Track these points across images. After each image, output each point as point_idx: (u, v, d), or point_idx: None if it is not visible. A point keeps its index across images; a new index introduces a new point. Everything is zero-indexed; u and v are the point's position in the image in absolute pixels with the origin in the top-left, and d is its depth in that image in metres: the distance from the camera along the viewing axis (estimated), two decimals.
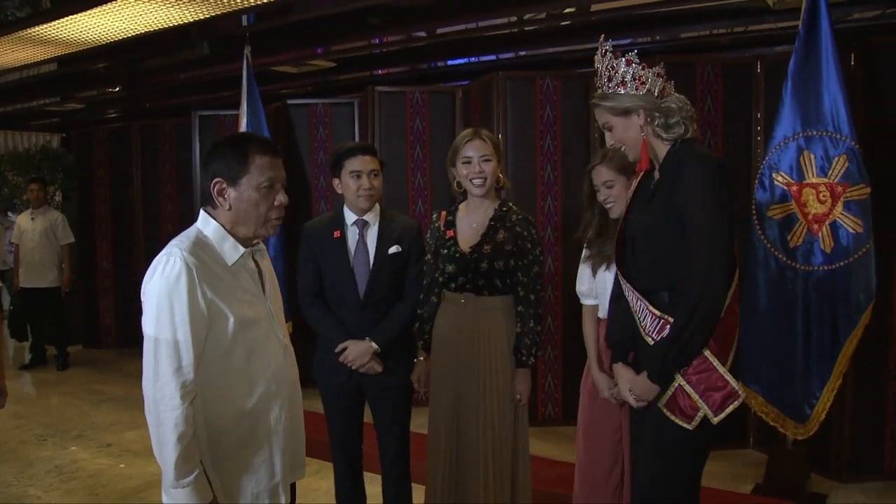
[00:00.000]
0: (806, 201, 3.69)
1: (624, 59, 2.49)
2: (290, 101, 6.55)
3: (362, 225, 3.29)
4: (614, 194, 3.01)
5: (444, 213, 3.35)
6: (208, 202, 2.20)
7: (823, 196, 3.64)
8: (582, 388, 3.28)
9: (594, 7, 4.98)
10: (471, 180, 3.17)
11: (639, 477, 2.60)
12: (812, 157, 3.67)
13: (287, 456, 2.27)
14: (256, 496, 2.20)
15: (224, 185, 2.15)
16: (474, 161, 3.15)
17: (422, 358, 3.33)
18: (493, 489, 3.14)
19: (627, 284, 2.54)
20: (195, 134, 6.93)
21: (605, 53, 2.52)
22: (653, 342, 2.44)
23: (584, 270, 3.22)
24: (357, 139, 6.21)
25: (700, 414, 2.38)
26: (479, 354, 3.16)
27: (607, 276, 3.04)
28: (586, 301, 3.23)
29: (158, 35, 5.03)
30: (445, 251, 3.24)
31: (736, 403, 2.38)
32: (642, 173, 2.62)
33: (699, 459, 2.51)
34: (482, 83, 5.62)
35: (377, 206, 3.33)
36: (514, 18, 5.40)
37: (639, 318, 2.51)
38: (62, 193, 9.14)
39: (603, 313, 3.10)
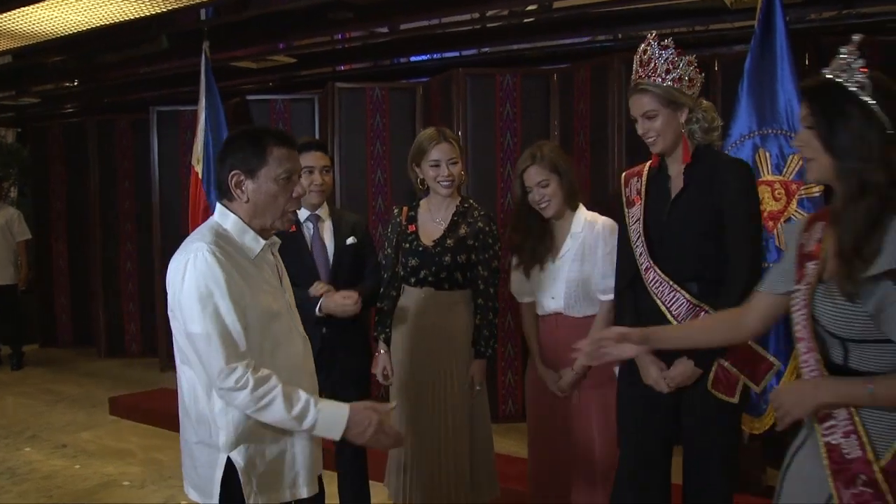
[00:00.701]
0: (762, 199, 3.72)
1: (686, 59, 2.60)
2: (249, 97, 6.50)
3: (316, 220, 3.31)
4: (549, 193, 3.05)
5: (405, 208, 3.39)
6: (224, 195, 2.18)
7: (779, 194, 3.68)
8: (527, 383, 3.33)
9: (556, 4, 5.01)
10: (439, 182, 3.23)
11: (705, 460, 2.69)
12: (767, 155, 3.71)
13: (307, 448, 2.21)
14: (279, 488, 2.16)
15: (242, 178, 2.13)
16: (442, 164, 3.21)
17: (382, 351, 3.35)
18: (453, 479, 3.18)
19: (663, 276, 2.63)
20: (153, 130, 6.86)
21: (667, 47, 2.60)
22: None
23: (516, 275, 3.23)
24: (317, 136, 6.16)
25: (740, 385, 2.58)
26: (439, 348, 3.22)
27: (543, 276, 3.11)
28: (523, 299, 3.26)
29: (116, 28, 4.95)
30: (407, 245, 3.28)
31: (772, 372, 2.63)
32: (647, 173, 2.77)
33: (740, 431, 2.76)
34: (442, 80, 5.62)
35: (325, 203, 3.37)
36: (476, 15, 5.41)
37: (668, 308, 2.62)
38: (17, 189, 8.98)
39: (542, 310, 3.17)
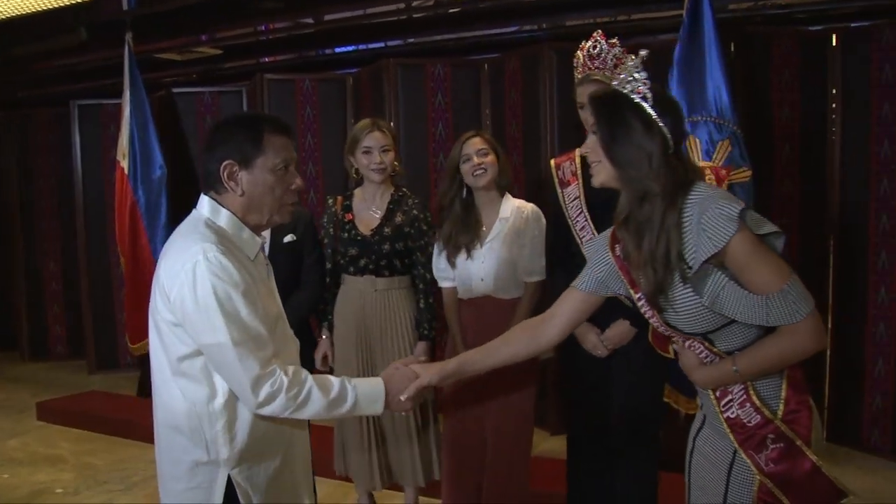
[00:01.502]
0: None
1: (630, 56, 2.68)
2: (175, 90, 6.35)
3: None
4: (488, 162, 3.16)
5: (339, 197, 3.48)
6: (211, 188, 2.00)
7: (709, 179, 3.77)
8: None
9: None
10: (371, 169, 3.31)
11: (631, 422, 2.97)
12: (698, 141, 3.80)
13: (307, 455, 2.17)
14: (277, 495, 2.04)
15: (236, 168, 1.95)
16: (374, 152, 3.30)
17: (325, 336, 3.44)
18: (410, 461, 3.34)
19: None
20: (75, 124, 6.65)
21: (615, 44, 2.82)
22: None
23: (439, 255, 3.31)
24: None
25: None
26: (382, 333, 3.35)
27: (471, 260, 3.19)
28: (444, 284, 3.34)
29: (32, 18, 4.79)
30: (346, 235, 3.37)
31: None
32: (579, 157, 2.94)
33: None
34: (373, 70, 5.59)
35: None
36: (402, 5, 5.38)
37: None
38: None
39: (470, 293, 3.25)
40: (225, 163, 1.95)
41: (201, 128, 6.26)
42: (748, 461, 1.86)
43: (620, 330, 2.92)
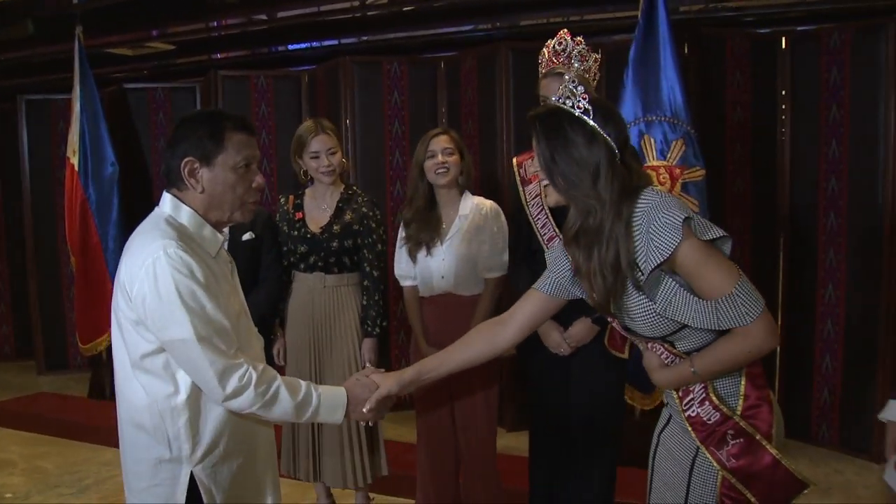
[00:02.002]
0: (653, 181, 3.87)
1: (593, 55, 3.00)
2: (127, 86, 6.25)
3: None
4: (452, 161, 3.21)
5: (291, 196, 3.54)
6: (173, 184, 1.98)
7: (664, 178, 3.83)
8: (412, 360, 3.41)
9: None
10: (321, 173, 3.37)
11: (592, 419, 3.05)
12: (652, 141, 3.85)
13: (271, 454, 2.14)
14: (241, 493, 2.02)
15: (196, 165, 1.94)
16: (322, 155, 3.36)
17: (278, 333, 3.52)
18: (350, 459, 3.37)
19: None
20: (22, 120, 6.51)
21: (580, 42, 2.96)
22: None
23: (401, 253, 3.37)
24: None
25: (628, 343, 2.94)
26: (331, 329, 3.40)
27: (431, 257, 3.25)
28: (405, 282, 3.40)
29: None
30: (296, 232, 3.42)
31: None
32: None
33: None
34: (329, 68, 5.56)
35: None
36: (356, 3, 5.36)
37: None
38: None
39: (430, 291, 3.30)
40: (186, 160, 1.94)
41: (154, 124, 6.18)
42: (710, 457, 1.91)
43: (582, 328, 2.97)
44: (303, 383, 2.00)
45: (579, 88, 1.87)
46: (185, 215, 1.97)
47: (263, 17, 5.64)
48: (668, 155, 3.82)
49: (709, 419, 1.92)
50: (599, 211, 1.83)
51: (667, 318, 1.85)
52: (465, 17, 5.48)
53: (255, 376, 1.89)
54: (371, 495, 3.66)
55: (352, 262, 3.42)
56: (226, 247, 2.30)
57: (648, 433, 4.34)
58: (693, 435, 1.94)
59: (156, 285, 1.82)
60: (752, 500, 1.87)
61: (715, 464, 1.90)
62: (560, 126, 1.87)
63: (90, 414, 5.37)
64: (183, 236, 1.91)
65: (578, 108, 1.86)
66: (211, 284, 1.88)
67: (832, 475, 4.25)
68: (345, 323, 3.41)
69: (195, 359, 1.84)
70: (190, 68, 6.65)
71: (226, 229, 2.13)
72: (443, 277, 3.25)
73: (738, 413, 1.90)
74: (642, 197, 1.84)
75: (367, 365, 3.33)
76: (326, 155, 3.35)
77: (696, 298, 1.81)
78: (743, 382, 1.91)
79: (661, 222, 1.78)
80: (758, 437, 1.88)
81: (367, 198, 3.48)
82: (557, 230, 2.91)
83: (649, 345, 1.99)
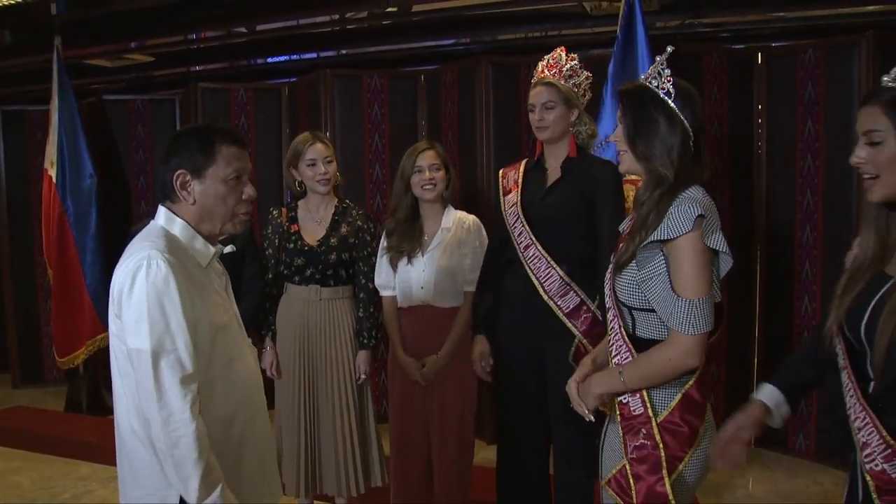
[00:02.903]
0: (627, 196, 3.89)
1: (585, 73, 3.08)
2: (106, 97, 6.22)
3: None
4: (438, 177, 3.28)
5: (283, 209, 3.55)
6: (167, 197, 2.03)
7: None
8: (389, 375, 3.49)
9: (416, 7, 5.04)
10: (317, 181, 3.39)
11: (568, 434, 3.04)
12: None
13: (259, 459, 2.11)
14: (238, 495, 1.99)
15: (188, 178, 1.99)
16: (319, 163, 3.39)
17: (268, 347, 3.48)
18: (347, 467, 3.38)
19: (542, 252, 2.98)
20: None
21: (574, 58, 3.04)
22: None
23: (382, 263, 3.40)
24: None
25: None
26: (325, 342, 3.41)
27: (412, 267, 3.29)
28: (385, 292, 3.42)
29: None
30: (291, 245, 3.43)
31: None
32: (523, 167, 3.15)
33: None
34: (309, 81, 5.56)
35: None
36: (336, 16, 5.38)
37: (542, 283, 2.99)
38: None
39: (409, 301, 3.33)
40: (177, 172, 1.99)
41: (133, 136, 6.16)
42: (620, 444, 2.05)
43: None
44: (221, 477, 1.90)
45: (666, 71, 2.01)
46: (178, 227, 2.01)
47: (243, 29, 5.66)
48: None
49: (634, 410, 2.02)
50: (667, 182, 1.97)
51: (641, 291, 2.00)
52: (445, 31, 5.53)
53: (192, 416, 1.84)
54: None
55: (347, 274, 3.46)
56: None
57: None
58: (618, 419, 2.06)
59: (130, 292, 1.86)
60: (635, 499, 1.99)
61: (621, 448, 2.04)
62: (644, 103, 2.02)
63: (66, 428, 5.32)
64: (173, 247, 1.94)
65: (662, 89, 2.01)
66: (187, 301, 1.89)
67: (811, 486, 4.27)
68: (339, 335, 3.43)
69: (143, 370, 1.85)
70: (169, 80, 6.64)
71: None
72: (422, 288, 3.28)
73: (659, 420, 1.99)
74: (691, 189, 1.97)
75: (362, 377, 3.44)
76: (323, 163, 3.39)
77: (668, 287, 1.94)
78: (677, 398, 1.99)
79: (682, 209, 1.91)
80: (661, 454, 1.97)
81: (361, 211, 3.53)
82: (534, 238, 3.00)
83: (612, 323, 2.10)
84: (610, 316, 2.11)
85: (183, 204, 2.02)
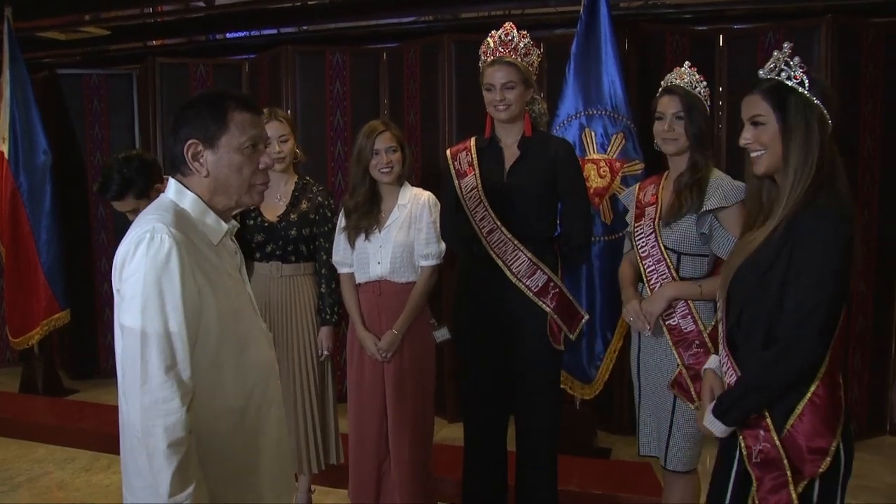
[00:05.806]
0: (588, 176, 3.91)
1: (537, 50, 3.04)
2: (60, 71, 6.08)
3: None
4: (395, 159, 3.27)
5: None
6: (178, 170, 1.90)
7: (604, 171, 3.88)
8: (348, 348, 3.47)
9: None
10: (272, 159, 3.25)
11: (534, 401, 3.12)
12: (593, 134, 3.89)
13: (273, 454, 2.00)
14: (239, 494, 1.89)
15: (200, 148, 1.86)
16: (274, 142, 3.37)
17: None
18: (308, 445, 3.43)
19: (508, 236, 2.99)
20: None
21: (526, 36, 2.99)
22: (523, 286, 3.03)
23: (340, 240, 3.40)
24: (136, 113, 5.97)
25: (563, 335, 3.06)
26: (286, 318, 3.44)
27: (369, 243, 3.29)
28: (342, 269, 3.42)
29: None
30: (252, 222, 3.44)
31: (583, 322, 3.13)
32: (474, 147, 3.11)
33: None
34: (270, 57, 5.49)
35: None
36: None
37: (509, 266, 3.01)
38: None
39: (367, 277, 3.33)
40: (188, 142, 1.86)
41: (88, 111, 6.03)
42: (676, 355, 2.68)
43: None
44: (193, 468, 1.75)
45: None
46: (189, 201, 1.88)
47: (201, 3, 5.55)
48: (609, 148, 3.87)
49: (685, 328, 2.68)
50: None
51: (698, 239, 2.64)
52: (407, 8, 5.48)
53: (180, 404, 1.71)
54: (313, 487, 3.66)
55: (308, 250, 3.48)
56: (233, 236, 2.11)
57: (589, 422, 4.43)
58: (669, 338, 2.69)
59: (128, 265, 1.74)
60: (695, 395, 2.56)
61: (678, 358, 2.66)
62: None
63: (21, 410, 5.22)
64: (182, 222, 1.82)
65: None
66: (199, 279, 1.78)
67: None
68: (301, 311, 3.46)
69: (130, 349, 1.72)
70: (126, 55, 6.50)
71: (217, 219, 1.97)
72: (379, 263, 3.29)
73: (708, 332, 2.63)
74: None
75: (325, 353, 3.47)
76: (278, 142, 3.38)
77: (730, 235, 2.58)
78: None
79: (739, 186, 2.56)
80: (710, 347, 2.59)
81: (321, 187, 3.55)
82: (498, 222, 2.98)
83: (657, 266, 2.73)
84: (651, 262, 2.73)
85: (195, 176, 1.88)
